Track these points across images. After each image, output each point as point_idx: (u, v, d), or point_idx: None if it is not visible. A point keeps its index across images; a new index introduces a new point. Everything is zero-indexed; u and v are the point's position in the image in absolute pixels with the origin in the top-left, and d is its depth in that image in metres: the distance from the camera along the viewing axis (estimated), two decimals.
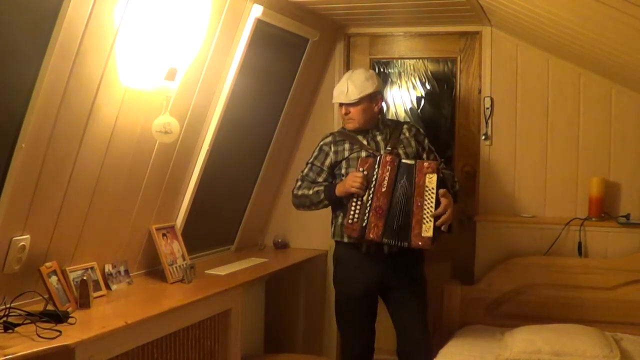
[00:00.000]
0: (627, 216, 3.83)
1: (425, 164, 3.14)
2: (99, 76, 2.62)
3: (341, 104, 3.35)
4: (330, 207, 3.40)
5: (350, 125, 3.36)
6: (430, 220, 3.09)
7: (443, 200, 3.10)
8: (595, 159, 3.93)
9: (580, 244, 3.90)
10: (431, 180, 3.11)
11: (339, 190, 3.24)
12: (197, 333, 3.11)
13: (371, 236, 3.13)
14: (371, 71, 3.53)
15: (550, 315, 3.69)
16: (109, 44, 2.60)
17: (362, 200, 3.16)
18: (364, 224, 3.12)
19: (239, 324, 3.41)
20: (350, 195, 3.20)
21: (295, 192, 3.43)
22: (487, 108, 4.07)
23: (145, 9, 2.68)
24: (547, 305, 3.80)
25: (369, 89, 3.30)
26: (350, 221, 3.17)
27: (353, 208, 3.17)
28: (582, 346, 3.20)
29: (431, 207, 3.10)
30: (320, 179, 3.37)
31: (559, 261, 3.88)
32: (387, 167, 3.14)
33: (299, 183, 3.42)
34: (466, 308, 3.93)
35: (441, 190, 3.11)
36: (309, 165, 3.42)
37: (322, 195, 3.31)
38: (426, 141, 3.44)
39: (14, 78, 2.33)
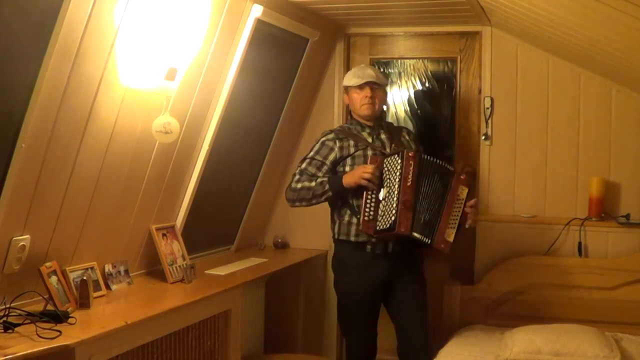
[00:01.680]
0: (627, 216, 3.83)
1: (462, 176, 3.24)
2: (99, 76, 2.62)
3: (364, 85, 3.34)
4: (330, 206, 3.40)
5: (369, 111, 3.35)
6: (454, 227, 3.16)
7: (477, 210, 3.25)
8: (595, 159, 3.93)
9: (580, 244, 3.90)
10: (463, 191, 3.21)
11: (347, 179, 3.20)
12: (197, 333, 3.11)
13: (402, 229, 3.11)
14: None
15: (550, 315, 3.69)
16: (109, 44, 2.60)
17: (376, 198, 3.16)
18: (394, 218, 3.11)
19: (239, 324, 3.41)
20: (357, 188, 3.19)
21: (293, 185, 3.34)
22: (487, 108, 4.07)
23: (145, 9, 2.68)
24: (547, 305, 3.80)
25: (387, 81, 3.50)
26: (366, 218, 3.16)
27: (368, 205, 3.16)
28: (582, 346, 3.20)
29: (457, 216, 3.17)
30: (320, 174, 3.30)
31: (559, 261, 3.88)
32: (411, 161, 3.16)
33: (298, 177, 3.34)
34: (466, 308, 3.93)
35: (472, 200, 3.22)
36: (308, 160, 3.36)
37: (327, 186, 3.23)
38: (421, 149, 3.47)
39: (14, 78, 2.33)
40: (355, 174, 3.18)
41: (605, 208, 3.88)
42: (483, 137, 4.10)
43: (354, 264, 3.33)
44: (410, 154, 3.17)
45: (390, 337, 3.49)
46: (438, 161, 3.23)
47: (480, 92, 4.12)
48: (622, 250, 3.84)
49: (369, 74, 3.37)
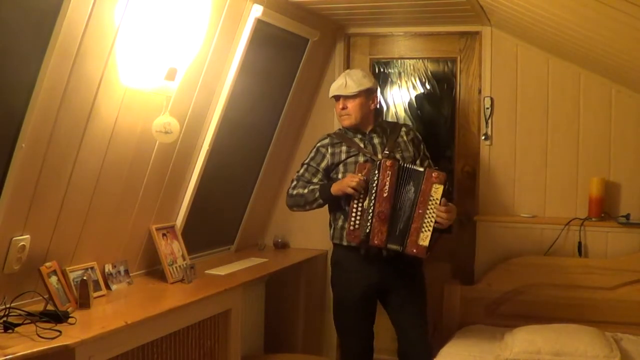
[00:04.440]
0: (627, 216, 3.83)
1: (434, 173, 3.12)
2: (99, 76, 2.62)
3: (338, 98, 3.34)
4: (328, 209, 3.39)
5: (347, 122, 3.34)
6: (428, 230, 3.08)
7: (449, 207, 3.09)
8: (595, 159, 3.93)
9: (580, 244, 3.90)
10: (437, 190, 3.09)
11: (335, 188, 3.21)
12: (197, 333, 3.11)
13: (376, 242, 3.11)
14: (367, 70, 3.55)
15: (550, 315, 3.69)
16: (109, 44, 2.60)
17: (362, 206, 3.14)
18: (367, 230, 3.10)
19: (239, 324, 3.41)
20: (345, 196, 3.19)
21: (290, 191, 3.40)
22: (487, 108, 4.07)
23: (145, 9, 2.68)
24: (547, 305, 3.79)
25: (367, 84, 3.33)
26: (352, 227, 3.15)
27: (354, 214, 3.15)
28: (582, 346, 3.20)
29: (432, 217, 3.09)
30: (315, 180, 3.35)
31: (559, 261, 3.88)
32: (388, 171, 3.12)
33: (294, 183, 3.40)
34: (466, 308, 3.93)
35: (450, 205, 3.11)
36: (305, 165, 3.40)
37: (317, 194, 3.28)
38: (422, 146, 3.43)
39: (14, 78, 2.33)
40: (342, 183, 3.18)
41: (605, 208, 3.88)
42: (483, 137, 4.10)
43: (348, 264, 3.34)
44: (387, 164, 3.13)
45: (390, 337, 3.49)
46: (412, 167, 3.17)
47: (480, 92, 4.12)
48: (622, 250, 3.84)
49: (338, 86, 3.32)
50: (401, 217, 3.12)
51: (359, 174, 3.15)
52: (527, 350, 3.21)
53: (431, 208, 3.09)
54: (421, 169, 3.15)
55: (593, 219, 3.87)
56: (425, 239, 3.08)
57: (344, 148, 3.33)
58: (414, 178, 3.14)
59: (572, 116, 3.95)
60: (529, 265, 3.89)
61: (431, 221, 3.08)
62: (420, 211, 3.09)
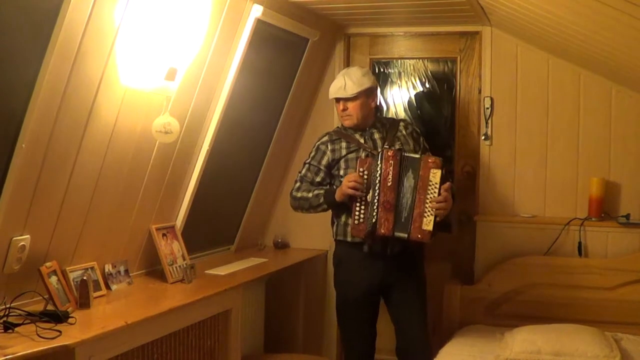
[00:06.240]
0: (627, 216, 3.83)
1: (430, 159, 3.15)
2: (99, 76, 2.62)
3: (338, 100, 3.35)
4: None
5: (348, 122, 3.35)
6: (431, 214, 3.10)
7: (443, 192, 3.11)
8: (595, 159, 3.92)
9: (580, 244, 3.90)
10: (435, 175, 3.12)
11: (338, 194, 3.22)
12: (197, 333, 3.12)
13: (382, 231, 3.12)
14: (366, 68, 3.55)
15: (550, 315, 3.69)
16: (109, 44, 2.60)
17: (365, 200, 3.15)
18: (374, 220, 3.11)
19: (239, 324, 3.41)
20: (349, 198, 3.19)
21: (294, 193, 3.41)
22: (487, 108, 4.07)
23: (145, 9, 2.68)
24: (547, 305, 3.80)
25: (367, 83, 3.33)
26: (356, 222, 3.16)
27: (357, 209, 3.16)
28: (582, 346, 3.20)
29: (433, 201, 3.10)
30: (318, 179, 3.36)
31: (559, 261, 3.88)
32: (390, 161, 3.14)
33: (298, 184, 3.40)
34: (466, 308, 3.93)
35: (446, 184, 3.12)
36: (307, 165, 3.41)
37: (322, 199, 3.29)
38: (422, 139, 3.45)
39: (14, 78, 2.33)
40: (342, 187, 3.19)
41: (605, 208, 3.87)
42: (483, 137, 4.10)
43: (351, 263, 3.35)
44: (389, 154, 3.15)
45: (390, 336, 3.49)
46: (412, 155, 3.19)
47: (480, 92, 4.12)
48: (622, 250, 3.84)
49: (337, 88, 3.32)
50: (405, 205, 3.14)
51: (361, 170, 3.16)
52: (527, 350, 3.21)
53: (431, 193, 3.11)
54: (417, 156, 3.18)
55: (593, 219, 3.87)
56: (429, 224, 3.10)
57: (343, 144, 3.34)
58: (413, 165, 3.16)
59: (572, 116, 3.95)
60: (529, 265, 3.89)
61: (433, 205, 3.10)
62: (421, 197, 3.11)
